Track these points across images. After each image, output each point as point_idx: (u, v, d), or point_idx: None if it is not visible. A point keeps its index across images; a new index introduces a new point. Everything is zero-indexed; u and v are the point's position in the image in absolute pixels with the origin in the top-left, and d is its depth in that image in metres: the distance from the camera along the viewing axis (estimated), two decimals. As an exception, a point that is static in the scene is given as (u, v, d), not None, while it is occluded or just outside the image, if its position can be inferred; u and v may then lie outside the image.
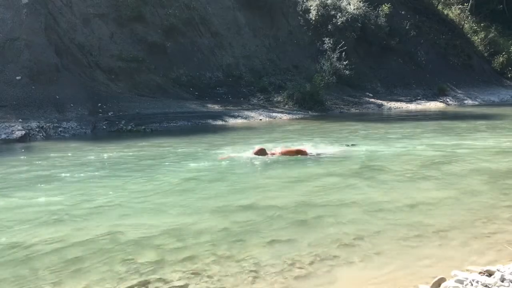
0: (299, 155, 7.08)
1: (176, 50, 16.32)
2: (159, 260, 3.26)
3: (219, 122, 13.08)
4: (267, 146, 7.39)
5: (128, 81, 14.58)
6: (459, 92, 23.19)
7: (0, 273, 3.11)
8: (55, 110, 11.59)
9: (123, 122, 11.77)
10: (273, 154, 7.08)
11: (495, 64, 27.98)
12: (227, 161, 6.83)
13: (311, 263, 3.22)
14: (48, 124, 10.74)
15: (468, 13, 29.11)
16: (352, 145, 8.20)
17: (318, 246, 3.49)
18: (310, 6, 20.59)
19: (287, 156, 7.02)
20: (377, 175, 5.85)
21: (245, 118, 13.83)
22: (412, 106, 19.10)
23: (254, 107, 15.24)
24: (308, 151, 7.21)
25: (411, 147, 8.17)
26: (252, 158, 6.97)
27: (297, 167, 6.48)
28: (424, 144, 8.48)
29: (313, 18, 20.39)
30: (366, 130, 11.12)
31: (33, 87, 11.80)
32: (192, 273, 3.06)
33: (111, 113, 12.51)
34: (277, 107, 15.74)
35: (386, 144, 8.47)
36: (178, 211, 4.42)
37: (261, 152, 7.05)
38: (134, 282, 2.95)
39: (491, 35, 28.47)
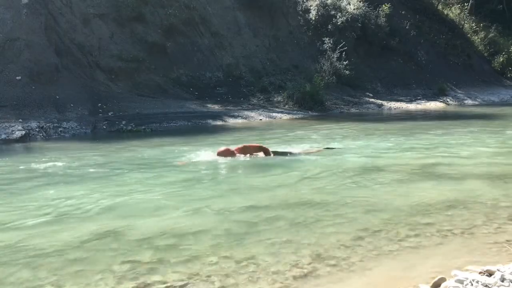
0: (261, 152, 6.89)
1: (176, 50, 16.31)
2: (159, 260, 3.26)
3: (219, 122, 13.08)
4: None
5: (128, 81, 14.57)
6: (459, 92, 23.19)
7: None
8: (55, 110, 11.59)
9: (123, 122, 11.77)
10: (238, 152, 6.81)
11: (495, 64, 27.98)
12: (190, 165, 6.58)
13: (311, 263, 3.21)
14: (48, 124, 10.74)
15: (468, 13, 29.12)
16: (329, 148, 7.91)
17: (318, 246, 3.49)
18: (310, 6, 20.59)
19: (257, 157, 6.85)
20: (376, 175, 5.84)
21: (245, 118, 13.84)
22: (412, 106, 19.10)
23: (254, 107, 15.24)
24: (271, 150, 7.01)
25: (411, 146, 8.17)
26: (216, 160, 6.71)
27: (292, 167, 6.48)
28: (424, 143, 8.48)
29: (313, 18, 20.38)
30: (365, 129, 11.11)
31: (33, 87, 11.80)
32: (192, 273, 3.06)
33: (111, 113, 12.51)
34: (277, 107, 15.74)
35: (385, 144, 8.47)
36: (178, 211, 4.42)
37: (225, 153, 6.80)
38: (134, 282, 2.95)
39: (491, 35, 28.47)
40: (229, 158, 6.79)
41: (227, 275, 3.03)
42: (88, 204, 4.65)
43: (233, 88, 16.58)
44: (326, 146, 8.05)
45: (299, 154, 7.32)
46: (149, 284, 2.92)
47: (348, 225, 3.94)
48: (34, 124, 10.53)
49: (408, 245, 3.53)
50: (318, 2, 20.42)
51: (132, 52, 15.11)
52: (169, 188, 5.31)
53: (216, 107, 14.66)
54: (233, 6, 18.95)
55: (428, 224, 3.97)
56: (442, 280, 2.82)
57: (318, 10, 20.32)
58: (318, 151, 7.58)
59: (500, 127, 11.40)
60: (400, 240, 3.61)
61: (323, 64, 18.62)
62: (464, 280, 2.78)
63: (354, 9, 20.70)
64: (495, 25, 28.94)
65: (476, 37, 28.56)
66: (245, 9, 19.19)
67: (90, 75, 13.87)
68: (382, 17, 21.98)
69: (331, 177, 5.78)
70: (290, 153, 7.23)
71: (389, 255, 3.36)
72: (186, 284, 2.92)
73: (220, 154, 6.84)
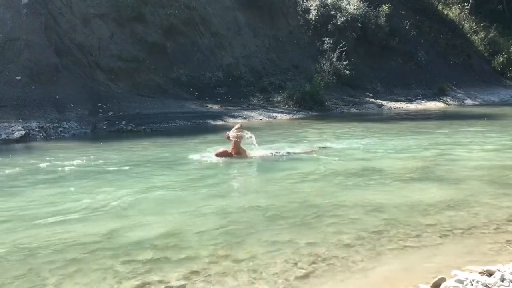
0: (260, 152, 7.05)
1: (176, 50, 16.32)
2: (159, 260, 3.26)
3: (219, 122, 13.09)
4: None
5: (128, 81, 14.58)
6: (459, 92, 23.20)
7: (0, 273, 3.11)
8: (55, 110, 11.59)
9: (123, 123, 11.77)
10: (234, 152, 6.87)
11: (495, 64, 28.00)
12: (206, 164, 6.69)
13: (311, 263, 3.21)
14: (48, 124, 10.74)
15: (468, 13, 29.12)
16: (322, 147, 7.95)
17: (318, 246, 3.49)
18: (310, 6, 20.60)
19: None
20: (376, 175, 5.84)
21: (245, 118, 13.84)
22: (412, 106, 19.11)
23: (254, 107, 15.25)
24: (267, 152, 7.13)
25: (411, 147, 8.17)
26: (215, 160, 6.77)
27: (292, 167, 6.48)
28: (424, 143, 8.47)
29: (313, 18, 20.39)
30: (365, 129, 11.11)
31: (33, 87, 11.80)
32: (192, 273, 3.06)
33: (111, 113, 12.51)
34: (277, 107, 15.75)
35: (385, 143, 8.47)
36: (178, 211, 4.42)
37: (223, 154, 6.86)
38: (134, 282, 2.94)
39: (491, 35, 28.49)
40: (227, 159, 6.81)
41: (227, 275, 3.03)
42: (86, 204, 4.65)
43: (233, 88, 16.58)
44: (323, 146, 8.07)
45: (299, 153, 7.33)
46: (149, 284, 2.92)
47: (348, 225, 3.94)
48: (34, 124, 10.53)
49: (408, 245, 3.52)
50: (318, 2, 20.43)
51: (132, 52, 15.11)
52: (169, 188, 5.31)
53: (216, 107, 14.66)
54: (233, 6, 18.96)
55: (428, 224, 3.97)
56: (442, 280, 2.82)
57: (318, 10, 20.33)
58: (317, 151, 7.59)
59: (501, 127, 11.40)
60: (400, 240, 3.61)
61: (323, 64, 18.63)
62: (464, 280, 2.78)
63: (354, 9, 20.71)
64: (495, 25, 28.95)
65: (476, 37, 28.57)
66: (245, 9, 19.19)
67: (90, 75, 13.87)
68: (382, 17, 21.99)
69: (331, 177, 5.78)
70: (290, 153, 7.25)
71: (389, 255, 3.36)
72: (186, 284, 2.92)
73: (219, 155, 6.88)
